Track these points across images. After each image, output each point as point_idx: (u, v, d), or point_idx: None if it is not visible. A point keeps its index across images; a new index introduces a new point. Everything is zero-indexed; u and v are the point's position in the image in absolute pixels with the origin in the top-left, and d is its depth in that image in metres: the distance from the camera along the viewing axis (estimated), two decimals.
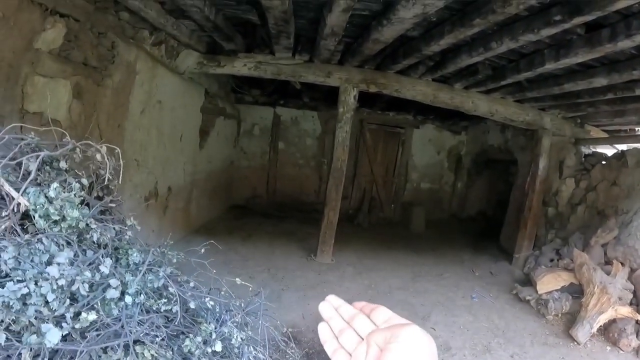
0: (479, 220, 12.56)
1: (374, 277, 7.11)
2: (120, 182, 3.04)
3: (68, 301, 1.99)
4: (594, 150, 8.90)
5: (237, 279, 3.26)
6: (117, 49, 4.74)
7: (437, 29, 4.98)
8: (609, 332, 5.83)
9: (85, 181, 2.56)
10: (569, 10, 3.88)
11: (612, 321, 5.87)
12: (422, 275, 7.54)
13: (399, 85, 7.40)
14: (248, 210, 10.77)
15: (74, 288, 1.99)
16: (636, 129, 9.29)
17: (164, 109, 6.19)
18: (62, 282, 1.94)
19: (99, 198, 3.00)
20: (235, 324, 2.91)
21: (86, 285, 2.03)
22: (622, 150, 7.94)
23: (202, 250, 3.31)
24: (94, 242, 2.48)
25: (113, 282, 2.15)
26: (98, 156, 2.82)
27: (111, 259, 2.39)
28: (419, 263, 8.24)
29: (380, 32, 4.89)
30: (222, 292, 3.28)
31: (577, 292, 6.54)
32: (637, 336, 5.66)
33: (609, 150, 8.67)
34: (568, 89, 6.39)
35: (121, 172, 2.92)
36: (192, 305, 2.64)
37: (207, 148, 8.51)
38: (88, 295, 2.05)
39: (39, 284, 1.90)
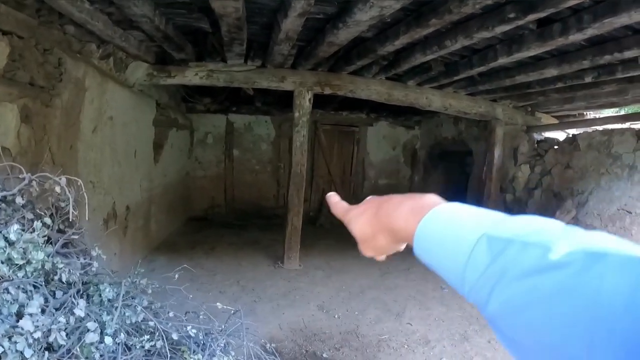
0: None
1: (344, 278, 7.07)
2: (80, 212, 2.86)
3: (47, 353, 1.83)
4: (546, 136, 9.08)
5: (218, 303, 3.15)
6: (65, 65, 4.46)
7: (392, 29, 4.98)
8: None
9: (48, 220, 2.40)
10: (523, 8, 3.96)
11: None
12: (390, 271, 7.55)
13: (353, 86, 7.38)
14: (208, 222, 10.55)
15: (51, 339, 1.84)
16: (585, 113, 9.58)
17: (116, 125, 5.94)
18: (37, 334, 1.80)
19: (61, 231, 2.83)
20: (219, 347, 2.79)
21: (63, 334, 1.88)
22: (573, 135, 8.16)
23: (176, 277, 3.19)
24: (62, 282, 2.31)
25: (90, 325, 2.01)
26: (57, 188, 2.65)
27: (83, 297, 2.24)
28: (389, 260, 8.16)
29: (335, 35, 4.85)
30: (201, 317, 3.16)
31: None
32: None
33: (560, 135, 8.87)
34: (519, 80, 6.54)
35: (86, 203, 2.76)
36: (174, 336, 2.52)
37: (162, 161, 8.25)
38: (66, 343, 1.90)
39: (12, 339, 1.74)
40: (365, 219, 0.86)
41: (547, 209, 7.94)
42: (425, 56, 5.65)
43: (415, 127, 12.93)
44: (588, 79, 6.08)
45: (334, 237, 9.79)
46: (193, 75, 6.71)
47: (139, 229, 7.03)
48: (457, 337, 5.30)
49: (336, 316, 5.63)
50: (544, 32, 4.62)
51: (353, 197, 12.23)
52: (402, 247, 0.85)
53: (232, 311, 3.43)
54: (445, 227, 0.67)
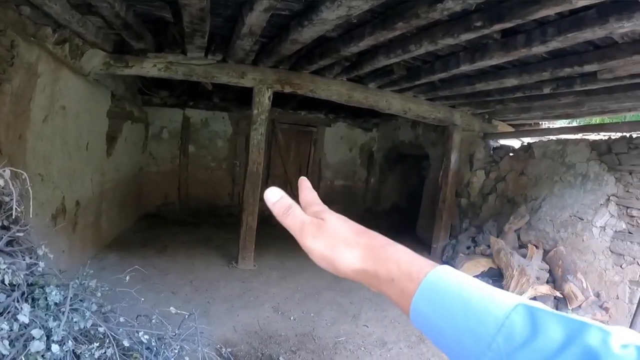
0: (393, 213, 12.68)
1: (299, 279, 7.01)
2: (25, 208, 2.69)
3: None
4: (502, 143, 9.26)
5: (172, 308, 3.01)
6: (17, 48, 4.18)
7: (357, 30, 4.93)
8: None
9: None
10: (489, 17, 3.98)
11: (533, 299, 6.05)
12: None
13: (314, 86, 7.31)
14: (161, 219, 10.25)
15: None
16: (540, 123, 9.80)
17: (68, 116, 5.66)
18: None
19: (4, 228, 2.65)
20: (173, 354, 2.67)
21: (6, 342, 1.73)
22: (528, 143, 8.38)
23: (127, 279, 3.04)
24: (4, 284, 2.14)
25: (36, 332, 1.87)
26: (1, 181, 2.48)
27: (27, 301, 2.09)
28: None
29: (299, 33, 4.76)
30: (153, 320, 3.02)
31: (496, 275, 6.90)
32: (556, 310, 5.91)
33: (515, 143, 9.06)
34: (479, 88, 6.63)
35: (30, 198, 2.59)
36: (126, 342, 2.39)
37: (115, 155, 7.94)
38: (9, 353, 1.74)
39: None
40: (350, 241, 0.79)
41: (501, 214, 8.11)
42: (389, 59, 5.64)
43: (373, 130, 12.96)
44: (547, 90, 6.22)
45: (288, 237, 9.53)
46: (151, 67, 6.48)
47: (89, 225, 6.76)
48: (413, 339, 5.33)
49: (292, 318, 5.57)
50: (508, 42, 4.68)
51: None
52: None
53: (186, 315, 3.31)
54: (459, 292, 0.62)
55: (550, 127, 9.64)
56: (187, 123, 11.02)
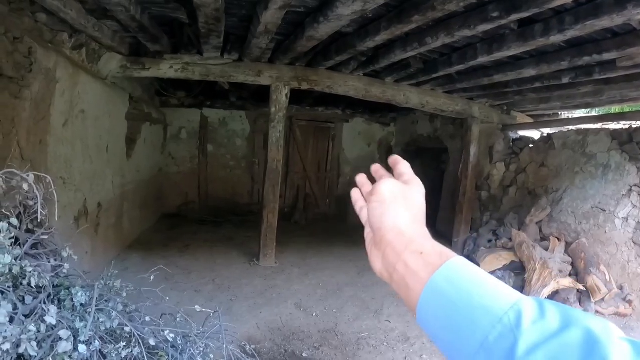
0: None
1: (321, 275, 7.00)
2: (49, 211, 2.72)
3: None
4: (521, 134, 9.18)
5: (197, 306, 3.03)
6: (35, 55, 4.24)
7: (373, 25, 4.90)
8: None
9: (15, 220, 2.26)
10: (506, 7, 3.94)
11: (555, 292, 6.23)
12: (367, 268, 7.30)
13: (331, 82, 7.28)
14: (181, 218, 10.30)
15: (21, 350, 1.71)
16: (559, 113, 9.67)
17: (87, 119, 5.73)
18: (6, 346, 1.67)
19: (29, 231, 2.69)
20: (198, 351, 2.69)
21: (34, 344, 1.76)
22: (548, 134, 8.27)
23: (152, 278, 3.07)
24: (31, 286, 2.17)
25: (63, 333, 1.89)
26: (25, 186, 2.51)
27: (53, 302, 2.12)
28: (362, 257, 7.99)
29: (315, 30, 4.75)
30: (178, 319, 3.04)
31: (517, 268, 6.83)
32: (579, 303, 6.14)
33: (535, 134, 8.98)
34: (497, 79, 6.57)
35: (56, 201, 2.62)
36: (152, 341, 2.41)
37: (135, 157, 8.03)
38: (38, 354, 1.77)
39: None
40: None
41: (522, 206, 8.03)
42: (405, 53, 5.60)
43: (391, 124, 12.93)
44: (565, 80, 6.15)
45: (309, 233, 9.74)
46: (168, 68, 6.51)
47: (111, 226, 6.84)
48: None
49: (314, 314, 5.56)
50: (525, 32, 4.63)
51: (328, 193, 12.24)
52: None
53: (211, 313, 3.34)
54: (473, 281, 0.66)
55: (570, 117, 9.53)
56: (205, 123, 11.10)
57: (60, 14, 4.17)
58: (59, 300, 2.25)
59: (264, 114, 7.51)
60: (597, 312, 6.03)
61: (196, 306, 3.06)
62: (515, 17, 4.01)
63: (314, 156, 12.29)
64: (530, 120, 9.77)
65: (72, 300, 2.26)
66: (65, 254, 2.71)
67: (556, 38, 4.44)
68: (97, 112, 6.11)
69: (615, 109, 9.53)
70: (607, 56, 4.92)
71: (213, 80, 7.24)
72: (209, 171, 11.25)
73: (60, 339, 1.86)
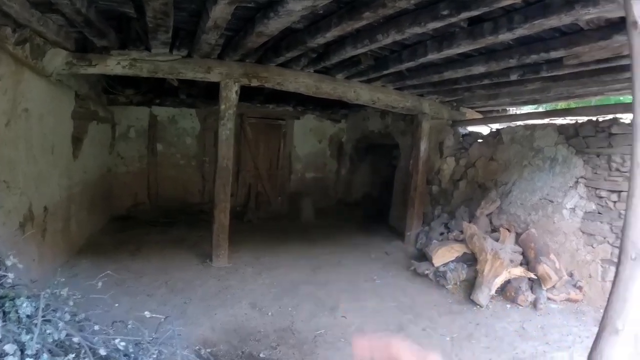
0: (366, 203, 12.76)
1: (275, 274, 6.95)
2: None
3: None
4: (471, 130, 9.36)
5: (146, 312, 2.94)
6: None
7: (324, 21, 4.89)
8: (506, 292, 6.43)
9: None
10: (456, 6, 4.00)
11: (508, 282, 6.45)
12: (322, 265, 7.53)
13: (281, 78, 7.24)
14: (132, 220, 10.01)
15: None
16: (508, 109, 9.91)
17: (31, 118, 5.48)
18: None
19: None
20: (151, 359, 2.62)
21: None
22: (497, 129, 8.50)
23: (100, 284, 2.97)
24: None
25: (9, 347, 1.80)
26: None
27: None
28: (316, 254, 8.21)
29: (265, 25, 4.70)
30: (129, 326, 2.96)
31: (470, 260, 6.99)
32: (531, 291, 6.33)
33: (484, 130, 9.17)
34: (447, 76, 6.66)
35: None
36: (102, 351, 2.33)
37: (82, 157, 7.72)
38: None
39: None
40: None
41: (473, 200, 8.22)
42: (356, 50, 5.62)
43: (342, 121, 13.02)
44: (514, 77, 6.30)
45: (262, 232, 9.66)
46: (115, 65, 6.30)
47: (58, 231, 6.57)
48: (392, 328, 5.35)
49: (269, 313, 5.51)
50: (475, 30, 4.71)
51: (280, 191, 12.19)
52: None
53: (162, 318, 3.25)
54: None
55: (518, 113, 9.76)
56: (154, 121, 10.85)
57: (3, 7, 3.97)
58: (3, 313, 2.14)
59: (214, 111, 7.42)
60: (549, 298, 6.24)
61: (146, 312, 2.98)
62: (465, 15, 4.07)
63: (265, 154, 12.20)
64: (479, 116, 9.95)
65: (17, 312, 2.16)
66: (9, 263, 2.59)
67: (505, 36, 4.55)
68: (42, 110, 5.86)
69: (562, 105, 9.78)
70: (554, 54, 5.05)
71: (162, 77, 7.10)
72: (159, 171, 10.98)
73: (7, 354, 1.77)
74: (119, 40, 5.96)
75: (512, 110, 10.11)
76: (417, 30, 4.58)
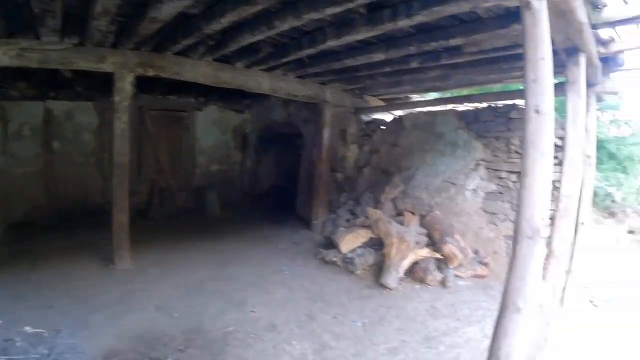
0: (272, 194, 12.73)
1: (182, 272, 6.73)
2: None
3: None
4: (374, 117, 9.51)
5: (26, 327, 2.73)
6: None
7: (218, 6, 4.77)
8: (414, 273, 6.61)
9: None
10: None
11: (415, 263, 6.65)
12: (229, 260, 7.40)
13: (178, 68, 6.97)
14: (31, 226, 9.20)
15: None
16: (410, 96, 10.11)
17: None
18: None
19: None
20: None
21: None
22: (399, 116, 8.69)
23: None
24: None
25: None
26: None
27: None
28: (223, 249, 8.07)
29: (158, 10, 4.53)
30: (18, 344, 2.74)
31: (377, 244, 7.11)
32: (439, 271, 6.56)
33: (387, 117, 9.34)
34: (348, 64, 6.70)
35: None
36: None
37: None
38: None
39: None
40: None
41: (377, 185, 8.37)
42: (254, 36, 5.53)
43: (246, 111, 12.81)
44: (414, 64, 6.45)
45: (167, 229, 9.37)
46: (1, 55, 5.78)
47: None
48: (303, 318, 5.34)
49: (176, 315, 5.29)
50: (374, 16, 4.74)
51: (185, 186, 11.83)
52: None
53: (46, 332, 3.02)
54: None
55: (421, 99, 9.98)
56: (49, 117, 10.05)
57: None
58: None
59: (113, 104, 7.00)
60: (457, 276, 6.52)
61: (26, 327, 2.77)
62: (363, 1, 4.10)
63: (167, 147, 11.69)
64: (382, 103, 10.12)
65: None
66: None
67: (404, 23, 4.60)
68: None
69: (464, 92, 10.11)
70: (453, 42, 5.21)
71: (54, 68, 6.61)
72: (57, 171, 10.17)
73: None
74: (7, 28, 5.49)
75: (415, 97, 10.32)
76: (315, 16, 4.56)
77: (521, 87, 8.28)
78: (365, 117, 9.53)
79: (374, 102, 9.98)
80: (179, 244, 8.11)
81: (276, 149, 12.83)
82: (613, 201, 23.45)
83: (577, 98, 4.27)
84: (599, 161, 19.00)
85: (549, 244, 4.37)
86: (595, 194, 21.90)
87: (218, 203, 11.40)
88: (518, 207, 2.62)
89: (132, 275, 6.54)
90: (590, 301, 7.12)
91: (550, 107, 2.55)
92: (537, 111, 2.53)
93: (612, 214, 22.55)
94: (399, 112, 9.18)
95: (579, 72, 4.22)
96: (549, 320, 4.43)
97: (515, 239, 2.62)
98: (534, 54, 2.55)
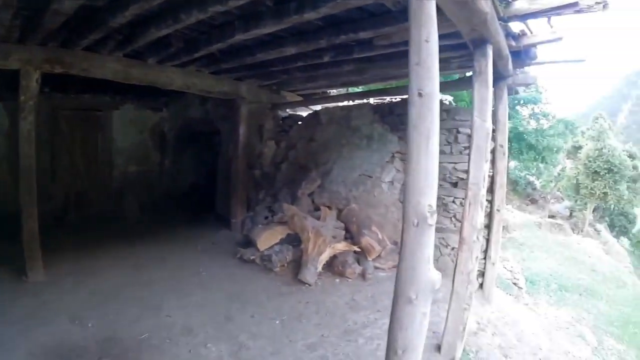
0: (193, 194, 12.49)
1: (98, 280, 6.46)
2: None
3: None
4: (291, 113, 9.54)
5: None
6: None
7: None
8: (334, 267, 6.71)
9: None
10: None
11: (334, 257, 6.74)
12: (146, 264, 7.20)
13: (87, 64, 6.68)
14: None
15: None
16: (328, 91, 10.19)
17: None
18: None
19: None
20: None
21: None
22: (316, 111, 8.75)
23: None
24: None
25: None
26: None
27: None
28: (140, 252, 7.83)
29: (60, 2, 4.36)
30: None
31: (295, 240, 7.17)
32: (358, 263, 6.68)
33: (305, 112, 9.38)
34: (261, 58, 6.66)
35: None
36: None
37: None
38: None
39: None
40: None
41: (295, 181, 8.40)
42: (160, 30, 5.38)
43: (163, 109, 12.46)
44: (327, 58, 6.46)
45: (84, 235, 8.95)
46: None
47: None
48: (220, 319, 5.31)
49: (90, 325, 5.10)
50: (280, 9, 4.74)
51: (102, 188, 11.39)
52: None
53: None
54: None
55: (338, 94, 10.07)
56: None
57: None
58: None
59: None
60: (376, 267, 6.66)
61: None
62: None
63: (83, 149, 11.25)
64: (300, 99, 10.14)
65: None
66: None
67: (310, 15, 4.60)
68: None
69: (379, 85, 10.24)
70: (363, 35, 5.24)
71: None
72: None
73: None
74: None
75: (333, 92, 10.41)
76: (220, 8, 4.51)
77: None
78: (282, 113, 9.55)
79: (292, 97, 9.99)
80: (96, 250, 7.76)
81: (196, 147, 12.60)
82: (534, 189, 24.68)
83: (484, 88, 4.38)
84: (520, 152, 20.14)
85: (460, 231, 4.55)
86: (517, 183, 23.01)
87: (137, 205, 11.08)
88: (404, 194, 2.63)
89: (45, 286, 6.20)
90: (514, 284, 7.46)
91: (435, 90, 2.55)
92: (420, 94, 2.52)
93: (533, 201, 23.72)
94: (317, 107, 9.24)
95: (486, 62, 4.33)
96: (466, 306, 4.58)
97: (402, 227, 2.64)
98: (418, 36, 2.56)
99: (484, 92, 4.40)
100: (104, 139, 11.65)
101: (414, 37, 2.55)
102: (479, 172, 4.46)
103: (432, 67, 2.54)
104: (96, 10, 5.10)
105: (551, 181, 22.08)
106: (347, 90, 10.04)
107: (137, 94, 11.19)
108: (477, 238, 4.50)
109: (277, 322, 5.30)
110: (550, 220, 15.78)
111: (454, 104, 10.34)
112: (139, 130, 12.20)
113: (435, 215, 2.58)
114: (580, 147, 21.80)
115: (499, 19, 4.40)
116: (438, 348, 4.75)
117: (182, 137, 12.18)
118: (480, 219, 4.52)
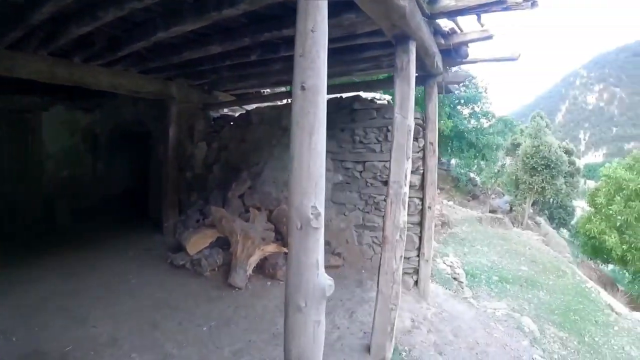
0: (127, 198, 12.18)
1: (24, 291, 6.15)
2: None
3: None
4: (222, 113, 9.44)
5: None
6: None
7: None
8: (265, 269, 6.67)
9: None
10: None
11: (265, 259, 6.68)
12: (76, 273, 6.91)
13: (11, 63, 6.41)
14: None
15: None
16: (261, 90, 10.07)
17: None
18: None
19: None
20: None
21: None
22: (247, 111, 8.69)
23: None
24: None
25: None
26: None
27: None
28: (70, 261, 7.50)
29: None
30: None
31: (225, 244, 7.10)
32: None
33: (237, 112, 9.29)
34: (187, 57, 6.54)
35: None
36: None
37: None
38: None
39: None
40: None
41: (227, 183, 8.35)
42: (81, 28, 5.21)
43: (95, 110, 12.01)
44: (254, 57, 6.42)
45: (12, 244, 8.56)
46: None
47: None
48: (146, 328, 5.18)
49: (14, 339, 4.88)
50: (201, 6, 4.67)
51: (33, 195, 10.92)
52: None
53: None
54: None
55: (270, 93, 9.99)
56: None
57: None
58: None
59: None
60: None
61: None
62: None
63: (10, 153, 10.69)
64: (233, 99, 10.00)
65: None
66: None
67: (229, 12, 4.53)
68: None
69: None
70: (287, 32, 5.16)
71: None
72: None
73: None
74: None
75: (267, 91, 10.30)
76: (137, 5, 4.41)
77: (366, 79, 8.50)
78: (214, 114, 9.44)
79: (225, 97, 9.86)
80: (24, 260, 7.45)
81: (130, 149, 12.25)
82: (475, 185, 25.19)
83: (405, 85, 4.41)
84: (461, 150, 20.54)
85: (383, 229, 4.53)
86: (459, 180, 23.44)
87: (69, 211, 10.70)
88: (288, 195, 2.53)
89: None
90: (455, 278, 7.53)
91: (320, 83, 2.47)
92: (303, 88, 2.43)
93: (474, 197, 24.19)
94: (250, 107, 9.14)
95: (408, 59, 4.35)
96: (392, 306, 4.56)
97: (287, 231, 2.55)
98: (303, 26, 2.48)
99: (405, 88, 4.42)
100: (34, 143, 11.12)
101: (300, 27, 2.48)
102: (400, 169, 4.47)
103: (316, 59, 2.45)
104: (16, 7, 4.93)
105: (492, 177, 22.56)
106: (287, 89, 9.94)
107: (68, 94, 10.72)
108: (401, 237, 4.50)
109: (205, 328, 5.21)
110: (491, 214, 16.10)
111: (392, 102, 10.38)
112: (70, 132, 11.76)
113: (321, 218, 2.49)
114: (519, 145, 22.33)
115: (424, 15, 4.39)
116: (368, 349, 4.72)
117: (115, 139, 11.85)
118: (403, 218, 4.52)
